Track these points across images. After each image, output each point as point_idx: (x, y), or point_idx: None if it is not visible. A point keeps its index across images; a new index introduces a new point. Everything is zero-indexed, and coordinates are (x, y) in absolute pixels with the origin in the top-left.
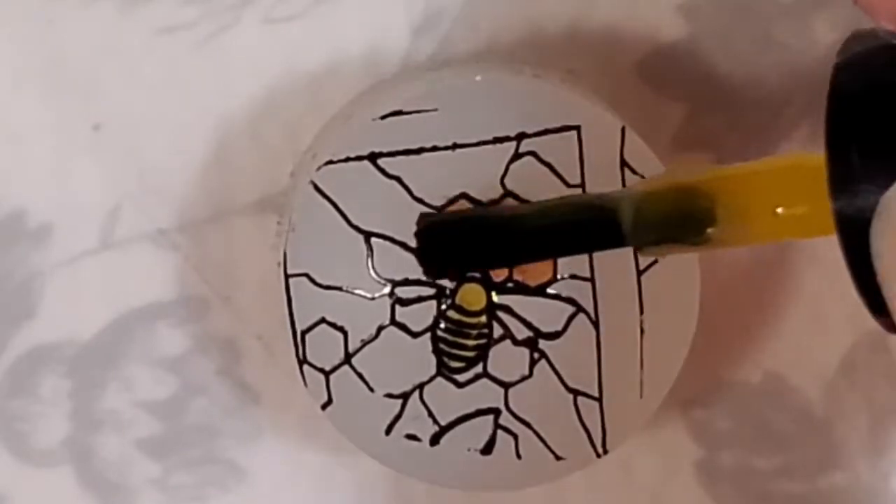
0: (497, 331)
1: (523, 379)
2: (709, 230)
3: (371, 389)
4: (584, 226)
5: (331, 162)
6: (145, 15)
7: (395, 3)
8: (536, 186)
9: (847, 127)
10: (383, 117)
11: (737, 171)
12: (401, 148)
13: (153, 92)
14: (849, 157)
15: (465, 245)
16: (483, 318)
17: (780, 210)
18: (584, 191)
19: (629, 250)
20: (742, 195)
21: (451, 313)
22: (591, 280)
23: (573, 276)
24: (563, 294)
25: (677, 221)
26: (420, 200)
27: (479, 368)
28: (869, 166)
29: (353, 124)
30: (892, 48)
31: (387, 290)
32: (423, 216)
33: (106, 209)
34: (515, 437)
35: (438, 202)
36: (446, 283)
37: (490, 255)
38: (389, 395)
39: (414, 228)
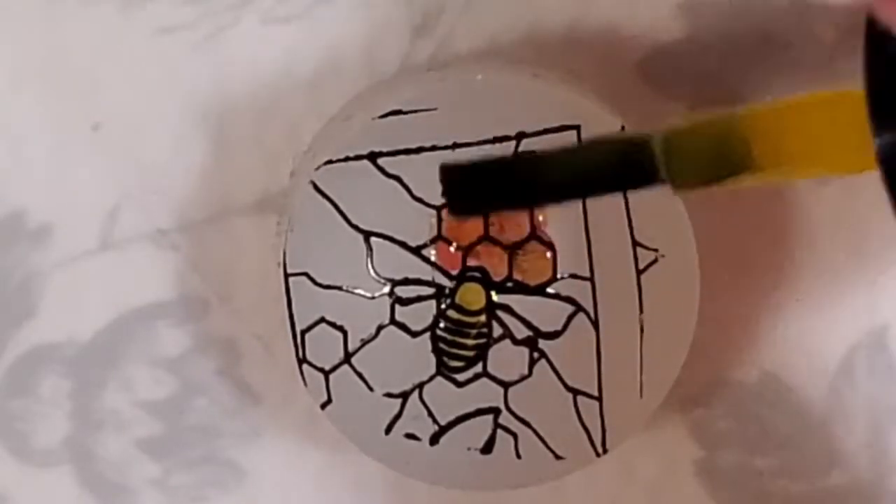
0: (497, 330)
1: (523, 378)
2: (746, 164)
3: (371, 389)
4: (618, 162)
5: (330, 162)
6: (145, 15)
7: (395, 3)
8: None
9: (886, 61)
10: (383, 117)
11: (774, 106)
12: (400, 147)
13: (153, 92)
14: (890, 91)
15: (493, 183)
16: (483, 318)
17: (819, 144)
18: None
19: (628, 247)
20: (780, 129)
21: (451, 313)
22: (591, 279)
23: (573, 276)
24: (563, 293)
25: (714, 156)
26: (420, 200)
27: (478, 368)
28: None
29: (353, 124)
30: None
31: (386, 289)
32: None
33: (106, 209)
34: (515, 436)
35: (438, 202)
36: (446, 282)
37: (518, 194)
38: (389, 395)
39: (413, 228)
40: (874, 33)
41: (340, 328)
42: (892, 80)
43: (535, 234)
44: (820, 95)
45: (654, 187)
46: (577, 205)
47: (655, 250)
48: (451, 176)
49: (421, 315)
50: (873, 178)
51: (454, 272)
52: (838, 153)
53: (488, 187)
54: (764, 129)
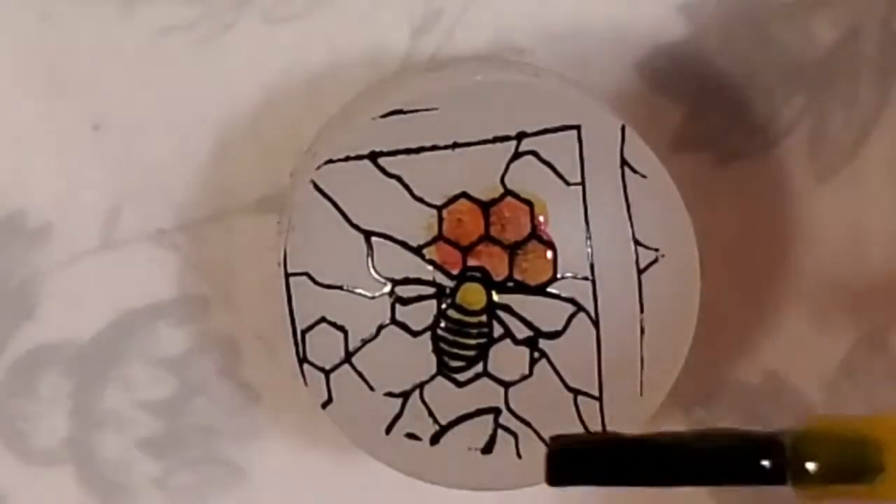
0: (497, 330)
1: (523, 378)
2: (877, 479)
3: (371, 388)
4: (747, 457)
5: (331, 161)
6: (145, 15)
7: (395, 3)
8: (537, 186)
9: None
10: (383, 116)
11: None
12: (401, 147)
13: (153, 92)
14: None
15: (604, 465)
16: (483, 318)
17: None
18: (584, 190)
19: (629, 246)
20: None
21: (452, 312)
22: (592, 279)
23: (573, 276)
24: (564, 293)
25: (845, 466)
26: (420, 199)
27: (479, 368)
28: None
29: (354, 124)
30: None
31: (387, 289)
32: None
33: (106, 209)
34: (516, 436)
35: (438, 201)
36: (447, 282)
37: (631, 477)
38: (390, 394)
39: (414, 228)
40: None
41: (341, 328)
42: None
43: (536, 234)
44: None
45: (780, 485)
46: (577, 205)
47: (656, 250)
48: (562, 451)
49: (421, 315)
50: (874, 179)
51: (455, 272)
52: None
53: (599, 468)
54: None
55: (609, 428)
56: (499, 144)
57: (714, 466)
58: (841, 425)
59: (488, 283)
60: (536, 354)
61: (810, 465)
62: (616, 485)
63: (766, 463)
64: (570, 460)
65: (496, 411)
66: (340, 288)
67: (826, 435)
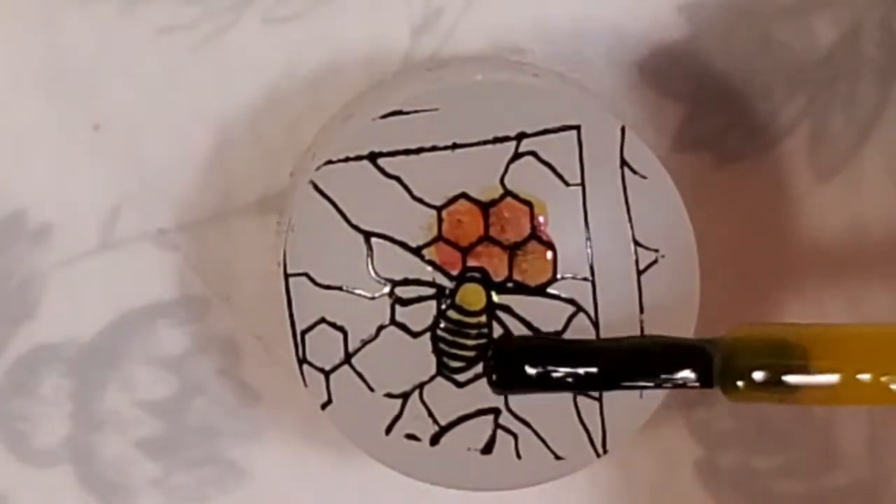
0: (497, 331)
1: None
2: (801, 386)
3: (371, 389)
4: (675, 360)
5: (330, 162)
6: (145, 15)
7: (395, 3)
8: (536, 186)
9: None
10: (383, 117)
11: (835, 331)
12: (400, 148)
13: (153, 92)
14: None
15: (543, 364)
16: (483, 318)
17: (880, 377)
18: (583, 191)
19: (629, 247)
20: (839, 355)
21: (451, 313)
22: (591, 280)
23: (573, 276)
24: (563, 294)
25: (770, 372)
26: (420, 200)
27: (479, 368)
28: None
29: (353, 124)
30: None
31: (387, 289)
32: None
33: (106, 209)
34: (515, 436)
35: (438, 202)
36: (446, 282)
37: (566, 379)
38: (389, 395)
39: (414, 228)
40: None
41: (341, 328)
42: None
43: (536, 235)
44: (887, 326)
45: (707, 387)
46: (577, 205)
47: (656, 250)
48: (503, 352)
49: (421, 315)
50: (874, 179)
51: (454, 273)
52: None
53: (538, 368)
54: (824, 348)
55: (609, 429)
56: (498, 145)
57: (648, 372)
58: (768, 333)
59: (488, 283)
60: None
61: (737, 371)
62: (554, 389)
63: (692, 371)
64: (511, 362)
65: (496, 412)
66: (340, 289)
67: (753, 342)
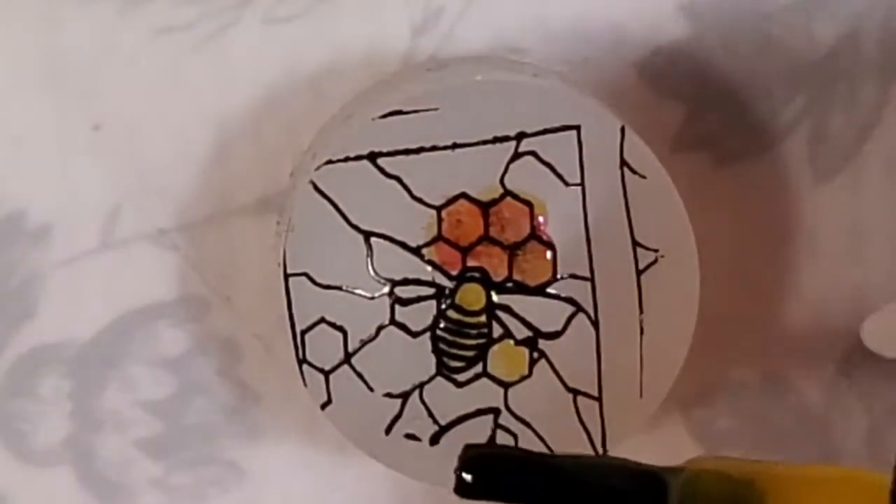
0: (497, 330)
1: (523, 379)
2: None
3: (371, 389)
4: (631, 491)
5: (330, 162)
6: (145, 15)
7: (395, 3)
8: (536, 186)
9: None
10: (383, 117)
11: (791, 473)
12: (400, 147)
13: (153, 92)
14: None
15: (508, 476)
16: (483, 318)
17: None
18: (583, 190)
19: (628, 247)
20: (795, 498)
21: (451, 313)
22: (591, 280)
23: (573, 276)
24: (563, 294)
25: None
26: (420, 200)
27: (478, 368)
28: None
29: (353, 124)
30: None
31: (386, 289)
32: (467, 447)
33: (106, 209)
34: (515, 436)
35: (438, 202)
36: (446, 282)
37: (529, 494)
38: (389, 395)
39: (414, 228)
40: None
41: (340, 328)
42: None
43: (535, 235)
44: (844, 472)
45: None
46: (577, 205)
47: (655, 250)
48: (471, 459)
49: (421, 315)
50: (874, 179)
51: (454, 272)
52: None
53: (503, 478)
54: (780, 490)
55: (609, 428)
56: (498, 145)
57: (604, 495)
58: (727, 471)
59: (488, 283)
60: (536, 355)
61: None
62: (515, 501)
63: (649, 499)
64: (479, 470)
65: (495, 412)
66: (340, 288)
67: (711, 484)
